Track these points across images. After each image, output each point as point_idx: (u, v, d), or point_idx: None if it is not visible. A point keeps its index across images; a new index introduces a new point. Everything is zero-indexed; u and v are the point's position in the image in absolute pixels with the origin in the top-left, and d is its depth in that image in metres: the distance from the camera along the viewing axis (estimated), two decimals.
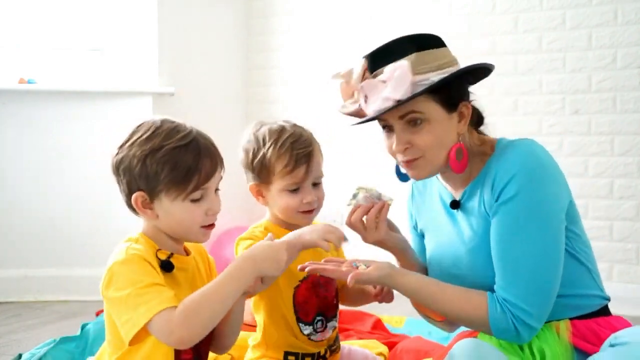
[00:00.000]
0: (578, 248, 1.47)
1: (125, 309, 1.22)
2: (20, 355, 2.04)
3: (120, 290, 1.22)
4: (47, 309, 3.02)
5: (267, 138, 1.58)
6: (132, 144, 1.32)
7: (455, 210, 1.55)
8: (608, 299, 1.52)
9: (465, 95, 1.50)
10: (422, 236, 1.69)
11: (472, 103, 1.55)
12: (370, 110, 1.45)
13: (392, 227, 1.62)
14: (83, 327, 2.23)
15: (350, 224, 1.54)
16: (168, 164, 1.29)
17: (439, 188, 1.61)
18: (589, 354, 1.38)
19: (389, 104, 1.41)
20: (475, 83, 1.56)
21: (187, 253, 1.42)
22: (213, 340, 1.43)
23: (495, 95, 3.28)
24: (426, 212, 1.66)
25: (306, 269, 1.45)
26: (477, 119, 1.56)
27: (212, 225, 1.36)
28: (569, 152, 3.17)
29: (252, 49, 3.97)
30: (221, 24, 3.83)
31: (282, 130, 1.59)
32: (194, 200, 1.32)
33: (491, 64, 1.50)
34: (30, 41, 3.37)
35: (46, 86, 3.25)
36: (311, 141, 1.59)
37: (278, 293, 1.58)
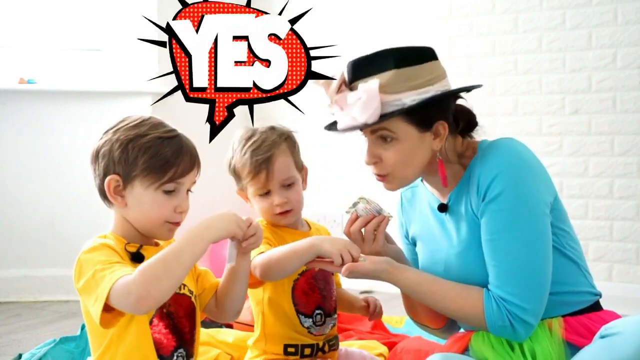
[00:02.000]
0: (567, 245, 1.49)
1: (93, 289, 1.22)
2: (20, 355, 2.04)
3: (87, 274, 1.24)
4: (47, 309, 3.02)
5: (235, 145, 1.65)
6: (118, 130, 1.35)
7: (443, 214, 1.55)
8: (599, 295, 1.53)
9: (443, 115, 1.49)
10: (413, 244, 1.69)
11: (464, 106, 1.54)
12: (341, 125, 1.47)
13: (388, 239, 1.63)
14: (83, 327, 2.23)
15: (348, 234, 1.57)
16: (149, 151, 1.32)
17: (427, 194, 1.62)
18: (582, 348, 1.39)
19: (357, 123, 1.43)
20: (464, 92, 1.55)
21: (157, 245, 1.42)
22: (219, 308, 1.44)
23: (495, 95, 3.27)
24: (417, 220, 1.66)
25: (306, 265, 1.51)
26: (466, 124, 1.54)
27: (177, 224, 1.38)
28: (569, 152, 3.17)
29: None
30: None
31: (248, 137, 1.64)
32: (166, 192, 1.33)
33: (468, 87, 1.50)
34: (30, 41, 3.37)
35: (46, 86, 3.25)
36: (271, 146, 1.61)
37: (278, 285, 1.61)
